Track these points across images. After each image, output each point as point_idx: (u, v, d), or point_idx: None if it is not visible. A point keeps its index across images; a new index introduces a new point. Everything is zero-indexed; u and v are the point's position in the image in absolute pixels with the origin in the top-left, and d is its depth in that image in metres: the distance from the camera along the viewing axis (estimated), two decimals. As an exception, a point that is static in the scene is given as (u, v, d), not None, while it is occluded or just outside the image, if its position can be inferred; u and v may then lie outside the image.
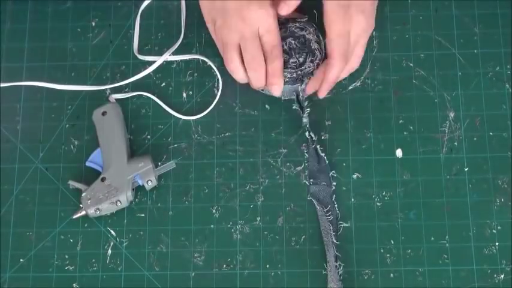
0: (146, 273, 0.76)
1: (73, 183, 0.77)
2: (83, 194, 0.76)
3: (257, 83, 0.74)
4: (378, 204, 0.77)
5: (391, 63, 0.81)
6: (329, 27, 0.71)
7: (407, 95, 0.80)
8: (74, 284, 0.76)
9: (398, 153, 0.78)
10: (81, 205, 0.76)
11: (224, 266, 0.76)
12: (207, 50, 0.82)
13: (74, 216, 0.77)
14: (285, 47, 0.75)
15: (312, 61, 0.75)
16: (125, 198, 0.75)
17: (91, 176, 0.77)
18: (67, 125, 0.81)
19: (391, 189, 0.77)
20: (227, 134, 0.80)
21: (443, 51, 0.81)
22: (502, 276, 0.74)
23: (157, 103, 0.80)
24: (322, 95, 0.75)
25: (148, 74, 0.82)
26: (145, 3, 0.83)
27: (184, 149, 0.79)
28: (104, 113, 0.78)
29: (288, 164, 0.78)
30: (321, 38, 0.77)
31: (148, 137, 0.80)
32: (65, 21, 0.85)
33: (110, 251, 0.77)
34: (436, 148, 0.78)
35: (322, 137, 0.79)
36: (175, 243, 0.77)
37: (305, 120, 0.76)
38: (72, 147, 0.80)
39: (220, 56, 0.78)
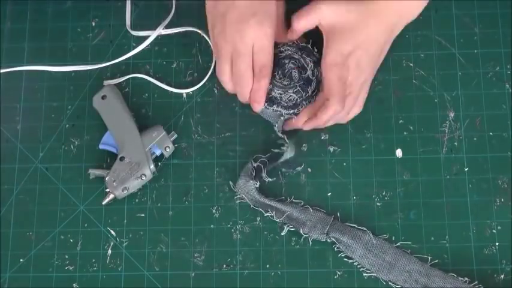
0: (146, 273, 0.76)
1: (94, 171, 0.77)
2: (107, 178, 0.76)
3: (241, 98, 0.75)
4: (378, 204, 0.77)
5: (391, 63, 0.81)
6: (326, 71, 0.70)
7: (407, 95, 0.80)
8: (74, 284, 0.76)
9: (398, 153, 0.78)
10: (107, 189, 0.76)
11: (224, 266, 0.76)
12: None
13: (104, 202, 0.77)
14: (278, 77, 0.75)
15: (306, 98, 0.75)
16: (148, 171, 0.76)
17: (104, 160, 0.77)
18: (67, 125, 0.81)
19: (391, 189, 0.77)
20: (227, 134, 0.80)
21: (443, 51, 0.81)
22: (502, 276, 0.74)
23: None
24: (306, 127, 0.74)
25: (149, 74, 0.82)
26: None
27: (184, 149, 0.79)
28: (103, 97, 0.78)
29: (288, 164, 0.78)
30: (317, 68, 0.76)
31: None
32: (65, 21, 0.85)
33: (110, 251, 0.77)
34: (436, 148, 0.78)
35: (322, 137, 0.79)
36: (175, 243, 0.77)
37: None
38: (72, 147, 0.80)
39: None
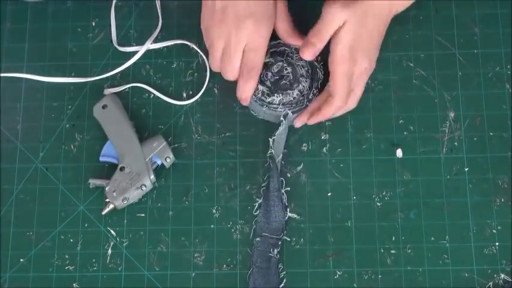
0: (146, 273, 0.76)
1: (94, 181, 0.77)
2: (107, 188, 0.76)
3: (228, 77, 0.76)
4: (378, 204, 0.77)
5: (391, 63, 0.81)
6: (335, 67, 0.71)
7: (407, 95, 0.80)
8: (74, 284, 0.76)
9: (399, 153, 0.78)
10: (107, 199, 0.76)
11: (224, 266, 0.76)
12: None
13: (103, 212, 0.77)
14: (271, 75, 0.76)
15: (303, 96, 0.76)
16: (148, 181, 0.76)
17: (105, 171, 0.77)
18: (67, 125, 0.81)
19: (391, 189, 0.77)
20: (227, 134, 0.80)
21: (443, 51, 0.81)
22: (502, 276, 0.74)
23: (157, 96, 0.81)
24: (311, 122, 0.76)
25: (149, 74, 0.82)
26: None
27: (184, 149, 0.79)
28: (104, 106, 0.78)
29: (288, 164, 0.78)
30: (318, 69, 0.77)
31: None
32: (65, 21, 0.85)
33: (110, 251, 0.77)
34: (436, 148, 0.78)
35: (322, 137, 0.79)
36: (175, 243, 0.77)
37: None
38: (72, 147, 0.80)
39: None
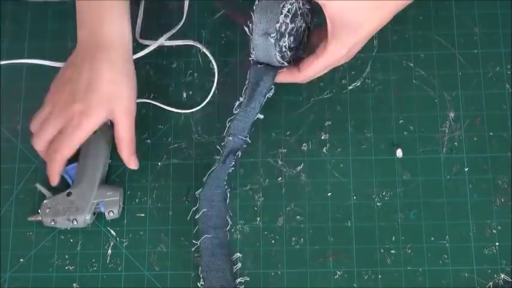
0: (146, 273, 0.76)
1: (40, 187, 0.77)
2: (45, 201, 0.75)
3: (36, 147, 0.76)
4: (378, 204, 0.77)
5: (391, 63, 0.81)
6: (330, 57, 0.71)
7: (407, 95, 0.80)
8: (74, 284, 0.76)
9: (399, 153, 0.78)
10: (39, 210, 0.76)
11: (224, 266, 0.76)
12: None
13: (29, 219, 0.77)
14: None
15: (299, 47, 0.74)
16: (82, 219, 0.75)
17: (63, 187, 0.77)
18: (67, 125, 0.81)
19: (391, 189, 0.77)
20: (227, 134, 0.80)
21: (443, 51, 0.81)
22: (502, 276, 0.74)
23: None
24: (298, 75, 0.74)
25: (149, 74, 0.82)
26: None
27: (184, 149, 0.79)
28: (95, 132, 0.76)
29: (288, 164, 0.78)
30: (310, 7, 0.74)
31: (148, 141, 0.80)
32: (65, 21, 0.84)
33: (110, 251, 0.77)
34: (436, 148, 0.78)
35: (322, 137, 0.79)
36: (175, 243, 0.77)
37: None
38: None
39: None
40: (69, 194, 0.75)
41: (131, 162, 0.76)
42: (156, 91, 0.82)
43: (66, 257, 0.77)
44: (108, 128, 0.77)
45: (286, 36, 0.71)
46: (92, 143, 0.76)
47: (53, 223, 0.75)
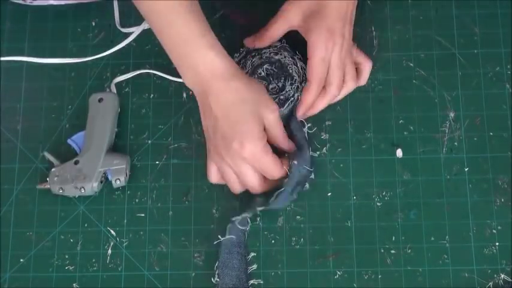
0: (146, 273, 0.76)
1: (48, 156, 0.77)
2: (53, 170, 0.76)
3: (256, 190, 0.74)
4: (378, 204, 0.77)
5: (391, 63, 0.81)
6: (312, 52, 0.72)
7: (407, 95, 0.80)
8: (74, 284, 0.76)
9: (399, 153, 0.78)
10: (48, 178, 0.76)
11: (224, 266, 0.76)
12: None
13: (38, 186, 0.77)
14: (263, 74, 0.76)
15: (291, 84, 0.76)
16: (89, 187, 0.75)
17: (71, 156, 0.78)
18: (67, 125, 0.81)
19: (391, 189, 0.77)
20: (227, 134, 0.79)
21: (443, 51, 0.81)
22: (502, 276, 0.74)
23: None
24: (298, 114, 0.76)
25: (149, 74, 0.82)
26: None
27: (184, 149, 0.79)
28: (100, 100, 0.78)
29: (288, 164, 0.78)
30: (297, 60, 0.77)
31: (148, 141, 0.80)
32: (65, 21, 0.85)
33: (110, 251, 0.77)
34: (436, 148, 0.78)
35: (322, 137, 0.79)
36: (175, 243, 0.77)
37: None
38: (72, 147, 0.80)
39: None
40: (76, 162, 0.76)
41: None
42: (156, 91, 0.81)
43: (66, 257, 0.77)
44: (115, 97, 0.78)
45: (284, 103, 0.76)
46: (99, 110, 0.77)
47: (61, 191, 0.76)
